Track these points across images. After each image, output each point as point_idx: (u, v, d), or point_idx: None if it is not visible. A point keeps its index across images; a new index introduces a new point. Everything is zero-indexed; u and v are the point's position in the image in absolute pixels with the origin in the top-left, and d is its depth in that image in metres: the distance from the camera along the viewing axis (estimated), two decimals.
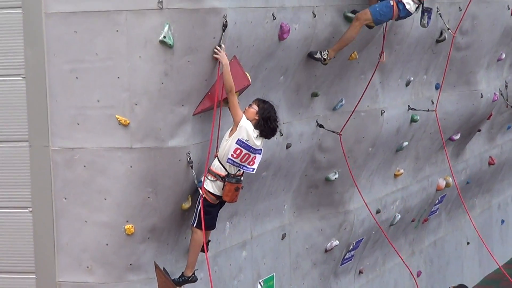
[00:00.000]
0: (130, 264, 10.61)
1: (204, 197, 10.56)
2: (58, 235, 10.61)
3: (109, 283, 10.62)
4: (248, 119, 10.50)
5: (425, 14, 12.66)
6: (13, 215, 10.83)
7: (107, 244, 10.48)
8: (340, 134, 13.41)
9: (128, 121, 10.13)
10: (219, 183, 10.55)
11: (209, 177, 10.55)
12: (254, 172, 10.76)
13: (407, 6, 12.28)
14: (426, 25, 12.92)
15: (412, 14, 12.44)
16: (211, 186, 10.55)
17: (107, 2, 9.96)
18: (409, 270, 15.60)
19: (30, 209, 10.72)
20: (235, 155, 10.46)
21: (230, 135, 10.49)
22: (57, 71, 10.27)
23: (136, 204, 10.40)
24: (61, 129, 10.38)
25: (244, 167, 10.58)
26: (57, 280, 10.70)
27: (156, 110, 10.15)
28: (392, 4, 12.23)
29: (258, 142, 10.56)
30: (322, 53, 12.27)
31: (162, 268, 10.75)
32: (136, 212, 10.42)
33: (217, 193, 10.58)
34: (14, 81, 10.52)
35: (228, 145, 10.47)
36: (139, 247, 10.58)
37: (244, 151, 10.47)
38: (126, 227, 10.40)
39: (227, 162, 10.48)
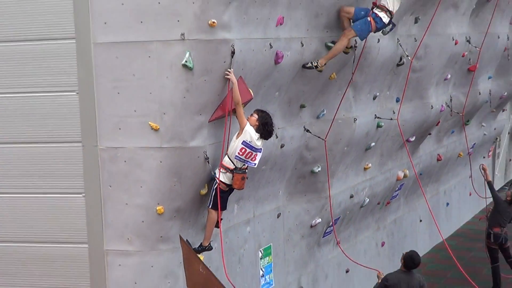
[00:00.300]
0: (161, 237, 10.57)
1: (218, 185, 10.52)
2: (105, 214, 10.60)
3: (144, 251, 10.60)
4: (250, 125, 10.49)
5: (390, 25, 12.57)
6: (70, 199, 10.79)
7: (142, 221, 10.47)
8: (325, 140, 13.36)
9: (158, 127, 10.10)
10: (229, 175, 10.54)
11: (221, 170, 10.50)
12: (255, 166, 10.74)
13: (384, 19, 12.22)
14: (387, 33, 12.99)
15: (386, 25, 12.34)
16: (223, 177, 10.53)
17: (141, 34, 9.94)
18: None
19: (83, 195, 10.71)
20: (241, 153, 10.46)
21: (237, 137, 10.50)
22: (103, 88, 10.25)
23: (165, 191, 10.36)
24: (107, 133, 10.36)
25: (248, 162, 10.56)
26: (105, 249, 10.69)
27: (179, 118, 10.13)
28: (369, 20, 12.16)
29: (258, 143, 10.56)
30: (313, 62, 12.17)
31: (185, 240, 10.71)
32: (165, 197, 10.39)
33: (228, 182, 10.58)
34: (70, 96, 10.49)
35: (235, 145, 10.47)
36: (167, 224, 10.55)
37: (248, 150, 10.48)
38: (157, 208, 10.38)
39: (235, 158, 10.49)
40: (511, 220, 17.81)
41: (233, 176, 10.59)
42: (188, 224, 10.87)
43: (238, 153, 10.50)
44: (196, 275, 10.82)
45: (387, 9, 12.27)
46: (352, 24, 12.33)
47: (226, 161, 10.57)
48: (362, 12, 12.25)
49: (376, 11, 12.28)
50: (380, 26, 12.36)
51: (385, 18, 12.27)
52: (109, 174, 10.48)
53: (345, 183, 14.64)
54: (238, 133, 10.52)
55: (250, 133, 10.49)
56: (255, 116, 10.68)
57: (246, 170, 10.71)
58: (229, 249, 11.78)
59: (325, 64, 12.30)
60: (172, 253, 10.71)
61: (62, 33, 10.35)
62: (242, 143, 10.47)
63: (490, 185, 18.46)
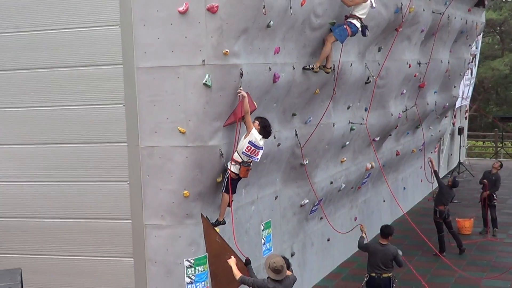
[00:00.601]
0: (186, 214, 10.56)
1: (230, 174, 10.54)
2: (144, 197, 10.59)
3: (174, 225, 10.58)
4: (255, 128, 10.48)
5: (366, 29, 12.54)
6: (117, 186, 10.81)
7: (173, 202, 10.46)
8: (302, 147, 13.33)
9: (185, 130, 10.08)
10: (238, 166, 10.54)
11: (232, 163, 10.50)
12: (258, 160, 10.75)
13: (356, 25, 12.22)
14: (367, 35, 12.82)
15: (358, 28, 12.30)
16: (233, 168, 10.52)
17: (172, 60, 9.95)
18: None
19: (128, 182, 10.69)
20: (247, 150, 10.46)
21: (245, 138, 10.50)
22: (143, 101, 10.25)
23: (190, 179, 10.35)
24: (146, 135, 10.35)
25: (252, 157, 10.56)
26: (144, 223, 10.68)
27: (201, 124, 10.11)
28: (345, 27, 12.18)
29: (261, 143, 10.56)
30: (309, 66, 12.34)
31: (205, 216, 10.71)
32: (189, 183, 10.36)
33: (236, 172, 10.57)
34: (118, 107, 10.50)
35: (243, 144, 10.48)
36: (191, 204, 10.53)
37: (253, 148, 10.48)
38: (184, 192, 10.35)
39: (242, 154, 10.48)
40: (452, 200, 17.99)
41: (240, 167, 10.60)
42: (207, 204, 10.86)
43: (245, 150, 10.50)
44: (213, 243, 10.85)
45: (357, 16, 12.26)
46: (332, 31, 12.32)
47: (235, 156, 10.56)
48: (339, 26, 12.30)
49: (350, 19, 12.29)
50: (354, 30, 12.30)
51: (358, 24, 12.27)
52: (147, 167, 10.47)
53: (326, 172, 14.63)
54: (246, 135, 10.53)
55: (254, 135, 10.50)
56: (257, 122, 10.70)
57: (251, 164, 10.69)
58: (238, 223, 11.76)
59: (318, 66, 12.42)
60: (195, 226, 10.70)
61: (113, 60, 10.37)
62: (248, 143, 10.48)
63: (436, 174, 18.60)
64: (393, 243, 13.15)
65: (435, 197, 18.18)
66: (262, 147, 10.65)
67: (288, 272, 10.04)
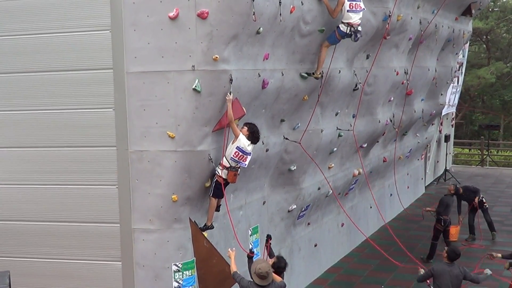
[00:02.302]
0: (175, 218, 10.57)
1: (218, 179, 10.54)
2: (133, 200, 10.58)
3: (162, 229, 10.58)
4: (243, 134, 10.50)
5: (357, 34, 12.62)
6: (106, 189, 10.80)
7: (161, 206, 10.46)
8: (300, 143, 13.38)
9: (174, 135, 10.09)
10: (225, 171, 10.54)
11: (220, 167, 10.51)
12: (246, 166, 10.76)
13: (342, 29, 12.39)
14: (357, 40, 12.91)
15: (345, 33, 12.44)
16: (222, 173, 10.52)
17: (162, 65, 9.96)
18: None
19: (116, 186, 10.69)
20: (235, 156, 10.49)
21: (233, 143, 10.50)
22: (133, 106, 10.25)
23: (178, 183, 10.35)
24: (135, 139, 10.35)
25: (240, 163, 10.58)
26: (132, 227, 10.68)
27: (190, 129, 10.12)
28: (335, 32, 12.47)
29: (249, 148, 10.58)
30: (311, 73, 12.71)
31: (193, 221, 10.72)
32: (178, 188, 10.37)
33: (224, 176, 10.57)
34: (108, 111, 10.51)
35: (231, 150, 10.48)
36: (180, 208, 10.54)
37: (240, 153, 10.51)
38: (172, 196, 10.36)
39: (230, 159, 10.49)
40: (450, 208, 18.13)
41: (228, 172, 10.61)
42: (196, 209, 10.87)
43: (233, 156, 10.51)
44: (202, 247, 10.87)
45: (347, 23, 12.38)
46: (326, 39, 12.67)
47: (224, 161, 10.58)
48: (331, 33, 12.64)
49: (339, 25, 12.49)
50: (341, 33, 12.49)
51: (344, 28, 12.40)
52: (136, 171, 10.47)
53: (314, 178, 14.65)
54: (233, 141, 10.56)
55: (242, 141, 10.52)
56: (245, 128, 10.72)
57: (239, 169, 10.71)
58: (226, 228, 11.77)
59: (319, 73, 12.82)
60: (184, 231, 10.70)
61: (103, 65, 10.37)
62: (236, 148, 10.49)
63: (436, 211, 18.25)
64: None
65: (438, 208, 18.01)
66: (250, 153, 10.66)
67: (278, 278, 10.04)
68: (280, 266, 10.44)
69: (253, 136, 10.71)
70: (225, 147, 10.62)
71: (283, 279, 10.34)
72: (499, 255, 14.05)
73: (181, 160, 10.24)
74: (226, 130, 10.51)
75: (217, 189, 10.63)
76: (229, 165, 10.56)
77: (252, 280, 9.75)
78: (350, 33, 12.48)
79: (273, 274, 9.86)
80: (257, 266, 9.68)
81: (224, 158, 10.59)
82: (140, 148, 10.34)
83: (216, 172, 10.62)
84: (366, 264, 17.35)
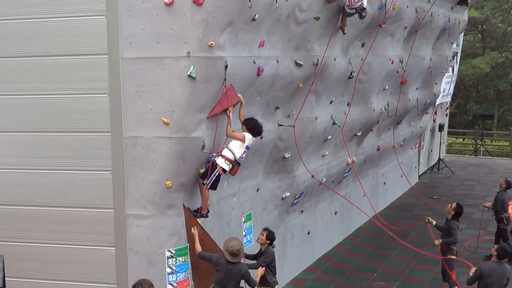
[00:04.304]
0: (169, 204, 10.57)
1: (220, 172, 10.58)
2: (127, 186, 10.59)
3: (156, 215, 10.59)
4: (245, 132, 10.73)
5: (362, 13, 13.03)
6: (100, 175, 10.79)
7: (155, 193, 10.46)
8: (294, 126, 13.38)
9: (168, 121, 10.09)
10: (230, 165, 10.62)
11: (226, 162, 10.56)
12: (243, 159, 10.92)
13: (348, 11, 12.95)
14: (364, 17, 13.37)
15: (351, 13, 13.09)
16: (227, 167, 10.58)
17: (157, 52, 9.95)
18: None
19: (110, 172, 10.69)
20: (244, 154, 10.69)
21: (242, 143, 10.66)
22: (127, 91, 10.25)
23: (172, 169, 10.35)
24: (130, 125, 10.34)
25: (242, 157, 10.74)
26: (126, 213, 10.69)
27: (185, 115, 10.12)
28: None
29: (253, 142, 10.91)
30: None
31: (187, 207, 10.74)
32: (172, 174, 10.38)
33: (227, 169, 10.64)
34: (103, 97, 10.49)
35: (241, 150, 10.67)
36: (173, 195, 10.55)
37: (247, 150, 10.72)
38: (166, 183, 10.36)
39: (239, 158, 10.65)
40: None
41: (232, 167, 10.67)
42: (189, 195, 10.87)
43: (242, 155, 10.68)
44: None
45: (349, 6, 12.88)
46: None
47: (230, 156, 10.59)
48: None
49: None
50: (346, 15, 13.22)
51: (349, 11, 12.99)
52: (130, 157, 10.47)
53: (308, 165, 14.68)
54: (240, 141, 10.67)
55: (250, 139, 10.73)
56: (244, 127, 10.84)
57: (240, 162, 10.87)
58: (220, 214, 11.82)
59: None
60: (177, 217, 10.71)
61: (98, 50, 10.36)
62: (245, 148, 10.68)
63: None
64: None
65: (494, 206, 16.95)
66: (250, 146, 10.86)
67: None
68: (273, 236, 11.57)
69: (255, 130, 10.80)
70: (216, 134, 10.62)
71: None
72: (434, 222, 14.11)
73: (175, 146, 10.24)
74: (218, 116, 10.50)
75: (216, 182, 10.66)
76: (233, 160, 10.63)
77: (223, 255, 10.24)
78: (355, 12, 12.89)
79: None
80: (229, 243, 10.16)
81: (229, 152, 10.60)
82: (134, 134, 10.33)
83: (218, 163, 10.59)
84: (358, 252, 17.43)
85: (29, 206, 11.21)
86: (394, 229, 15.53)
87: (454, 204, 13.84)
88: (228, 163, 10.57)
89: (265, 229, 11.77)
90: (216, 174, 10.55)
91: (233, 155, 10.57)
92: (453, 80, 30.32)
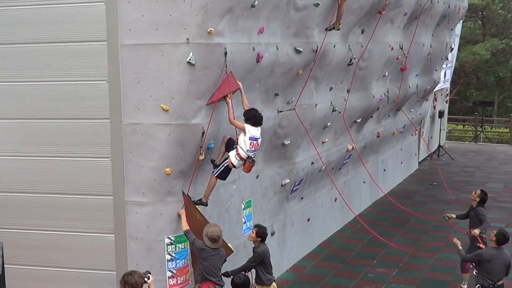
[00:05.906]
0: (168, 191, 10.57)
1: (229, 165, 10.59)
2: (126, 173, 10.57)
3: (155, 202, 10.59)
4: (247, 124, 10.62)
5: None
6: (100, 162, 10.78)
7: (154, 180, 10.46)
8: (294, 109, 13.38)
9: (168, 108, 10.07)
10: (241, 162, 10.60)
11: (237, 158, 10.56)
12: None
13: None
14: None
15: None
16: (236, 163, 10.58)
17: (156, 38, 9.93)
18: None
19: (110, 159, 10.68)
20: (251, 146, 10.54)
21: (244, 136, 10.53)
22: (127, 78, 10.22)
23: (172, 156, 10.34)
24: (129, 112, 10.33)
25: (256, 150, 10.65)
26: (125, 200, 10.68)
27: (184, 102, 10.10)
28: None
29: (258, 133, 10.67)
30: (333, 26, 13.40)
31: (186, 194, 10.74)
32: (172, 161, 10.37)
33: (237, 165, 10.65)
34: (102, 84, 10.47)
35: (245, 143, 10.52)
36: (173, 182, 10.54)
37: (255, 142, 10.54)
38: (166, 169, 10.35)
39: (247, 151, 10.53)
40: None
41: (245, 163, 10.62)
42: (189, 182, 10.85)
43: (250, 147, 10.55)
44: (194, 221, 10.89)
45: None
46: None
47: (242, 153, 10.55)
48: None
49: None
50: None
51: None
52: (130, 144, 10.45)
53: (307, 152, 14.67)
54: (244, 133, 10.57)
55: (251, 131, 10.54)
56: (244, 118, 10.73)
57: (254, 159, 10.73)
58: (219, 201, 11.82)
59: (339, 24, 13.41)
60: (176, 204, 10.70)
61: (97, 37, 10.34)
62: (249, 139, 10.54)
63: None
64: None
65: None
66: (260, 137, 10.73)
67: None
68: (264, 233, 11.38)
69: (253, 121, 10.69)
70: (211, 120, 10.60)
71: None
72: (454, 215, 13.96)
73: (174, 133, 10.23)
74: (215, 104, 10.47)
75: (225, 173, 10.69)
76: (246, 157, 10.58)
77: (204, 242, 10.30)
78: None
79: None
80: (209, 229, 10.27)
81: (241, 150, 10.56)
82: (134, 120, 10.32)
83: (229, 157, 10.60)
84: (358, 239, 17.45)
85: (28, 193, 11.21)
86: (394, 216, 15.56)
87: (478, 191, 13.65)
88: (239, 159, 10.55)
89: (255, 226, 11.53)
90: (225, 165, 10.59)
91: (244, 152, 10.54)
92: (450, 66, 30.30)
